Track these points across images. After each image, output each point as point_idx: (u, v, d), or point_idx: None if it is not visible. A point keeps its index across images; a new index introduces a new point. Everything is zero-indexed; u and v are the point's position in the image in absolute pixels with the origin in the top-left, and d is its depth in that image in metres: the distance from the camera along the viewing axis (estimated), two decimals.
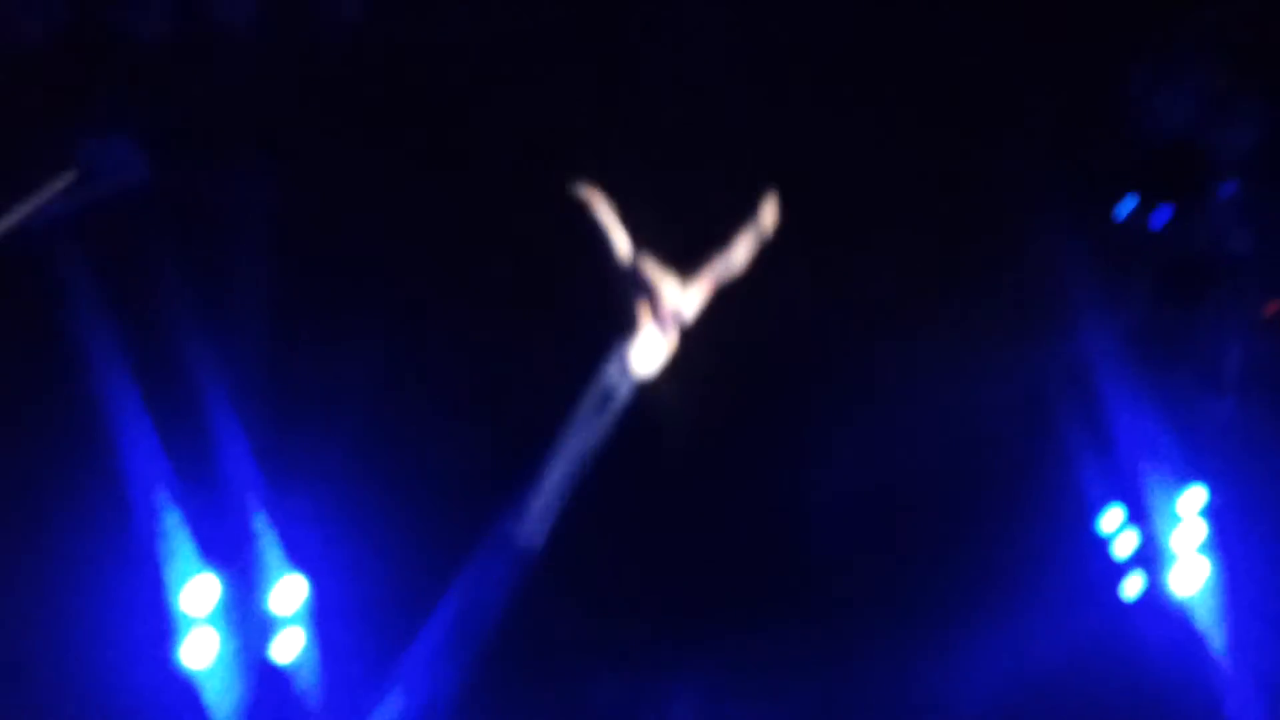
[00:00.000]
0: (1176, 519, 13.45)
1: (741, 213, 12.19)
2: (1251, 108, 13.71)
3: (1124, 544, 13.53)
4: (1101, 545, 13.54)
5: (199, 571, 12.25)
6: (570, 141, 12.55)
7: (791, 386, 13.21)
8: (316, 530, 12.56)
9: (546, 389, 12.64)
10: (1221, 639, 13.32)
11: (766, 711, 13.18)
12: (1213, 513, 13.46)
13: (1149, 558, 13.49)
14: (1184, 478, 13.53)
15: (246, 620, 12.43)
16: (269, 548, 12.49)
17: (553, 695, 13.09)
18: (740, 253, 12.00)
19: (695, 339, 12.27)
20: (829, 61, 12.95)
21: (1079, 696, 13.22)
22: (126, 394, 12.04)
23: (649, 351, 12.02)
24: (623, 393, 12.19)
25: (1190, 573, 13.37)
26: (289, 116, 12.59)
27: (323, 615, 12.61)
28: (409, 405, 12.81)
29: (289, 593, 12.53)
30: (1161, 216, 13.90)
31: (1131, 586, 13.51)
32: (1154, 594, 13.44)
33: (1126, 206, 13.90)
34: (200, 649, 12.21)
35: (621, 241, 11.92)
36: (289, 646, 12.55)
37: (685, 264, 12.11)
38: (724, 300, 12.24)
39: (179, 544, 12.18)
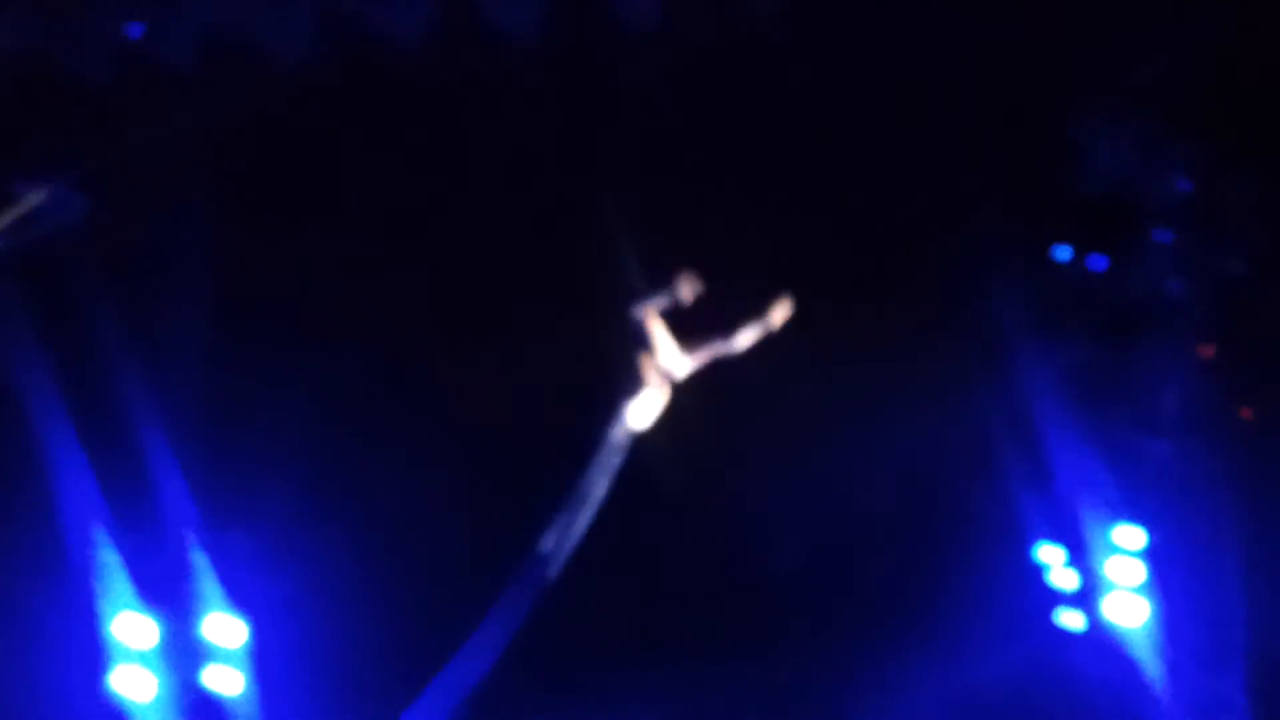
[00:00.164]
0: (1114, 556, 13.50)
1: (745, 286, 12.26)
2: (1187, 157, 13.89)
3: (1063, 579, 13.59)
4: (1042, 580, 13.58)
5: (136, 606, 12.22)
6: (549, 172, 12.66)
7: (739, 424, 13.26)
8: (254, 566, 12.56)
9: (487, 426, 12.70)
10: (1158, 673, 13.35)
11: None
12: (1150, 552, 13.52)
13: (1087, 594, 13.55)
14: (1122, 516, 13.59)
15: (184, 654, 12.40)
16: (206, 584, 12.47)
17: None
18: (743, 341, 12.06)
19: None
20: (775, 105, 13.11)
21: None
22: (64, 431, 12.05)
23: (644, 405, 12.05)
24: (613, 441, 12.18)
25: (1128, 608, 13.41)
26: (229, 158, 12.68)
27: (260, 649, 12.57)
28: (348, 443, 12.84)
29: (226, 628, 12.49)
30: (1099, 262, 14.05)
31: (1070, 621, 13.55)
32: (1092, 629, 13.49)
33: (1065, 252, 14.05)
34: (138, 683, 12.17)
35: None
36: (226, 680, 12.51)
37: (686, 326, 12.16)
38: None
39: (116, 579, 12.16)
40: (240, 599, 12.59)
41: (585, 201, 12.62)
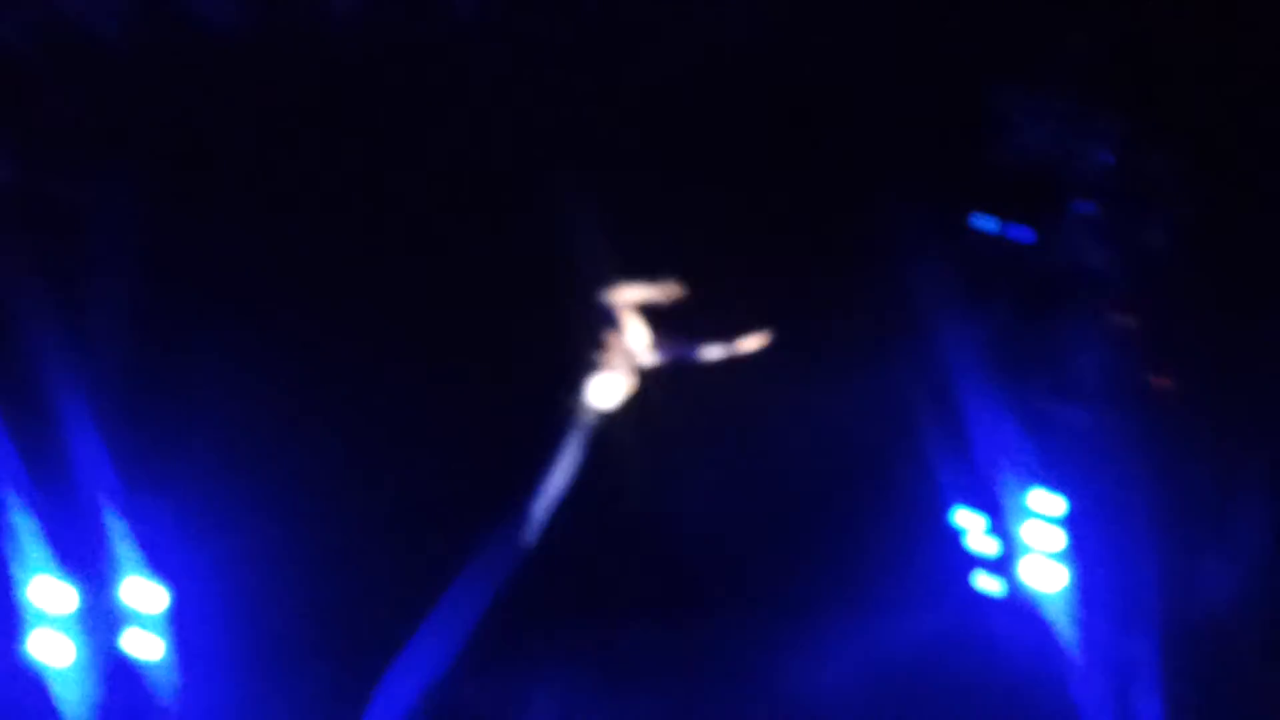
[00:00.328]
0: (1033, 522, 13.61)
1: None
2: (1108, 130, 13.98)
3: (981, 544, 13.70)
4: (962, 545, 13.69)
5: (53, 571, 12.17)
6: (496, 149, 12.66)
7: (659, 393, 13.28)
8: (172, 530, 12.53)
9: (396, 389, 12.73)
10: (1075, 637, 13.48)
11: (627, 707, 13.23)
12: (1068, 516, 13.63)
13: (1007, 558, 13.67)
14: (1040, 483, 13.70)
15: (103, 619, 12.37)
16: (125, 549, 12.44)
17: (416, 694, 13.09)
18: (711, 354, 12.07)
19: None
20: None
21: (936, 689, 13.37)
22: None
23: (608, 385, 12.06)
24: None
25: (1045, 573, 13.53)
26: (156, 121, 12.62)
27: (179, 614, 12.56)
28: (267, 407, 12.82)
29: (145, 593, 12.48)
30: (1021, 233, 14.14)
31: (988, 585, 13.66)
32: (1012, 593, 13.61)
33: (988, 221, 14.12)
34: (56, 648, 12.13)
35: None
36: (145, 645, 12.50)
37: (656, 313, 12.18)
38: None
39: (32, 544, 12.11)
40: (160, 564, 12.55)
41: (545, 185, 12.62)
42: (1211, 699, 13.41)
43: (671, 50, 13.13)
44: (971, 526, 13.77)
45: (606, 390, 11.85)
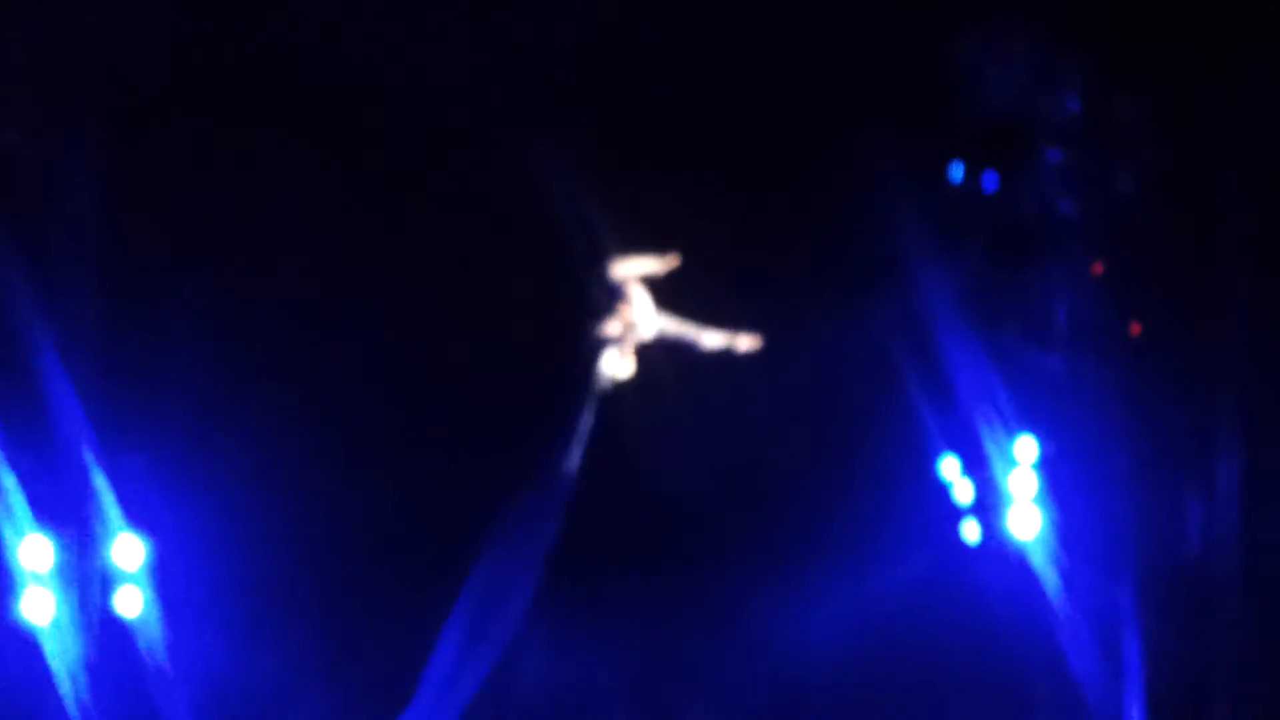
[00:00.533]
0: (1011, 467, 13.68)
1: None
2: (1077, 77, 14.02)
3: (962, 491, 13.77)
4: (941, 492, 13.75)
5: (35, 530, 12.09)
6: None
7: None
8: (153, 486, 12.46)
9: (380, 340, 12.70)
10: (1055, 581, 13.57)
11: (614, 658, 13.25)
12: (1044, 462, 13.70)
13: (986, 505, 13.74)
14: (1017, 428, 13.76)
15: (86, 577, 12.30)
16: (106, 505, 12.36)
17: (400, 644, 13.09)
18: (708, 341, 12.05)
19: None
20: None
21: (920, 635, 13.44)
22: None
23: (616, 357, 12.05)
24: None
25: (1025, 519, 13.60)
26: (125, 77, 12.50)
27: (161, 569, 12.50)
28: (250, 359, 12.76)
29: (128, 549, 12.41)
30: (991, 181, 14.17)
31: (970, 532, 13.73)
32: (991, 539, 13.68)
33: (958, 171, 14.15)
34: (40, 605, 12.05)
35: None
36: (130, 602, 12.44)
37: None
38: None
39: (14, 503, 12.02)
40: (141, 519, 12.49)
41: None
42: (1188, 639, 13.53)
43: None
44: (954, 473, 13.82)
45: (608, 354, 11.84)
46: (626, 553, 13.28)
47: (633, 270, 12.17)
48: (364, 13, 12.67)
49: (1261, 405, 13.62)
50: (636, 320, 12.09)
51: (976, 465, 13.80)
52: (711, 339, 12.49)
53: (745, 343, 12.45)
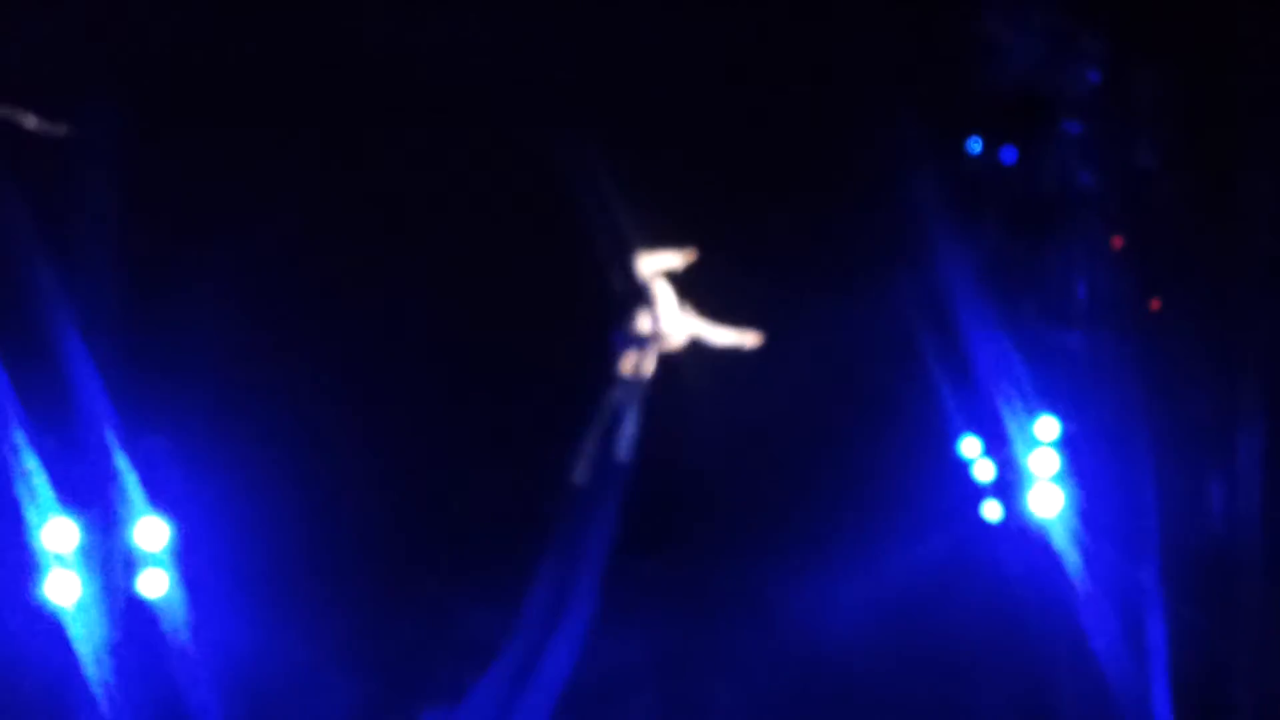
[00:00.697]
0: (1032, 446, 13.67)
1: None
2: (1096, 49, 13.96)
3: (982, 469, 13.76)
4: (961, 470, 13.75)
5: (59, 512, 12.10)
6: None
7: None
8: (176, 467, 12.47)
9: (401, 320, 12.68)
10: (1076, 560, 13.57)
11: (635, 639, 13.28)
12: (1065, 440, 13.69)
13: (1007, 484, 13.73)
14: (1037, 406, 13.75)
15: (109, 559, 12.32)
16: (129, 488, 12.37)
17: (418, 625, 13.12)
18: (728, 326, 12.02)
19: None
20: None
21: (942, 615, 13.46)
22: None
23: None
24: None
25: (1046, 498, 13.60)
26: (150, 63, 12.45)
27: (186, 552, 12.52)
28: (269, 345, 12.75)
29: (151, 531, 12.42)
30: (1010, 154, 14.13)
31: (990, 510, 13.73)
32: (1012, 518, 13.68)
33: (976, 144, 14.10)
34: (64, 587, 12.07)
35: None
36: (153, 583, 12.45)
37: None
38: None
39: (38, 485, 12.02)
40: (164, 502, 12.49)
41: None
42: (1211, 618, 13.54)
43: None
44: (971, 453, 13.81)
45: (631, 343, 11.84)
46: (650, 537, 13.28)
47: (654, 263, 12.15)
48: (386, 6, 12.62)
49: None
50: (659, 312, 12.07)
51: (997, 444, 13.80)
52: (731, 323, 12.49)
53: (764, 327, 12.45)
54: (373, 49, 12.57)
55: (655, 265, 12.38)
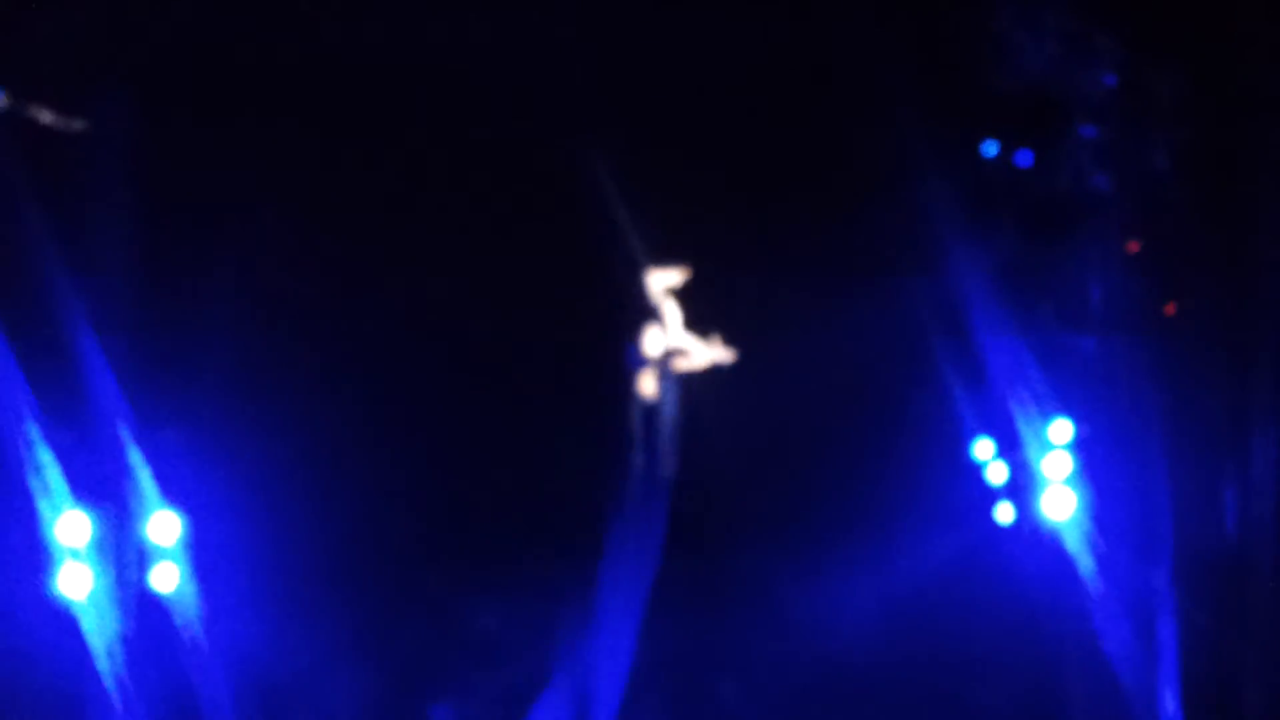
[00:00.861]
0: (1045, 449, 13.66)
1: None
2: (1112, 51, 13.94)
3: (995, 473, 13.75)
4: (974, 472, 13.74)
5: (72, 506, 12.10)
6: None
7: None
8: (190, 464, 12.47)
9: (417, 310, 12.71)
10: (1089, 563, 13.56)
11: (648, 638, 13.27)
12: (1079, 443, 13.68)
13: (1020, 487, 13.71)
14: (1051, 409, 13.73)
15: (122, 552, 12.32)
16: (143, 482, 12.37)
17: (430, 622, 13.13)
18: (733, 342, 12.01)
19: None
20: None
21: (953, 617, 13.45)
22: None
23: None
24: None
25: (1059, 501, 13.58)
26: (163, 57, 12.45)
27: (199, 546, 12.52)
28: (285, 339, 12.75)
29: (164, 525, 12.43)
30: (1025, 157, 14.12)
31: (1003, 513, 13.72)
32: (1025, 521, 13.66)
33: (990, 147, 14.09)
34: (77, 581, 12.08)
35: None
36: (166, 577, 12.46)
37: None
38: None
39: (51, 479, 12.02)
40: (177, 496, 12.50)
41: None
42: (1224, 623, 13.53)
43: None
44: (985, 456, 13.80)
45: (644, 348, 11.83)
46: (662, 539, 13.27)
47: (667, 270, 12.14)
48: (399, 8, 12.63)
49: None
50: (672, 318, 12.07)
51: (1010, 447, 13.78)
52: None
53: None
54: (390, 46, 12.57)
55: (669, 271, 12.38)
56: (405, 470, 13.06)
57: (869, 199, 13.52)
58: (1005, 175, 14.15)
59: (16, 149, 12.23)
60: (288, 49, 12.57)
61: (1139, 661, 13.41)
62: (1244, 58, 13.55)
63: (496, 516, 13.14)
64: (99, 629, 12.14)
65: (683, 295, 12.50)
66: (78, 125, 12.44)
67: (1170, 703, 13.29)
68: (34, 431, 11.99)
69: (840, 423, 13.50)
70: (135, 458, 12.37)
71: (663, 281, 12.13)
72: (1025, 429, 13.75)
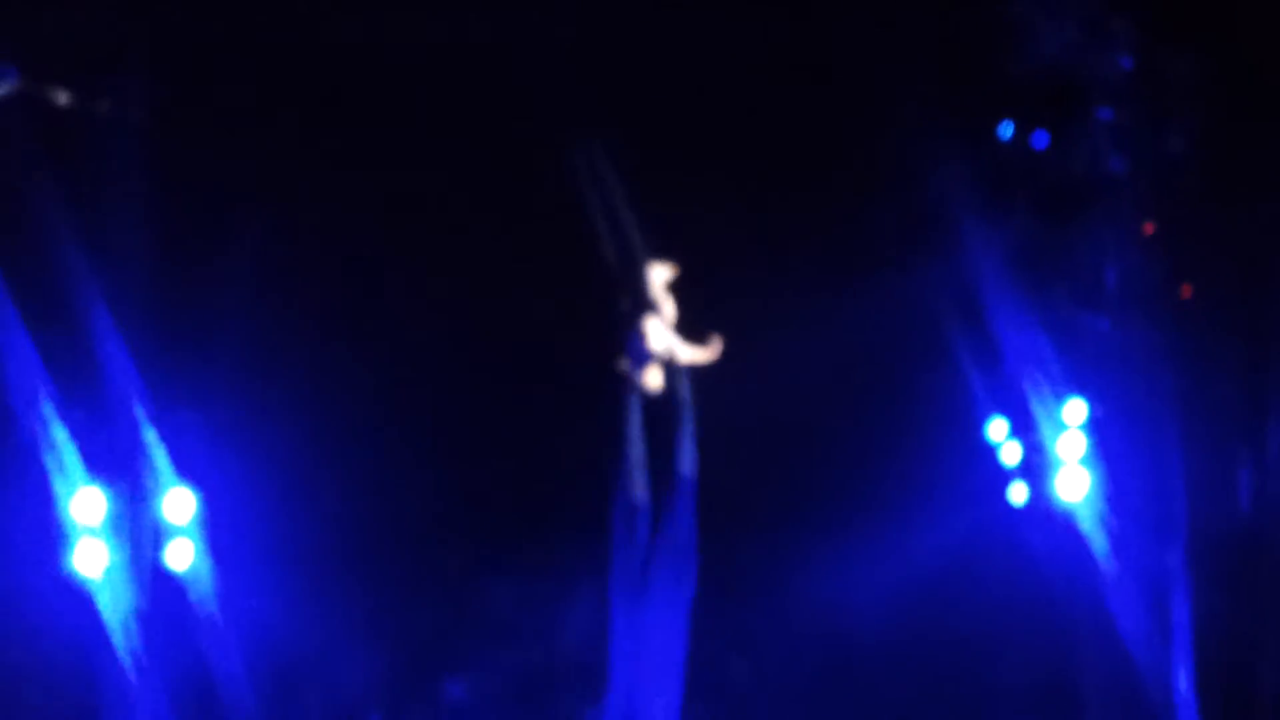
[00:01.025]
0: (1059, 429, 13.65)
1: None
2: (1128, 34, 13.93)
3: (1010, 453, 13.74)
4: (989, 453, 13.73)
5: (88, 483, 12.16)
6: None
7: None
8: (204, 442, 12.52)
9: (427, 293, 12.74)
10: (1103, 544, 13.55)
11: (661, 614, 13.26)
12: (1092, 424, 13.67)
13: (1033, 467, 13.71)
14: (1066, 390, 13.73)
15: (137, 530, 12.38)
16: (158, 460, 12.43)
17: (443, 600, 13.16)
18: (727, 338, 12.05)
19: None
20: None
21: (967, 597, 13.46)
22: (5, 308, 11.91)
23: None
24: None
25: (1073, 482, 13.57)
26: (179, 38, 12.50)
27: (213, 524, 12.58)
28: (298, 319, 12.79)
29: (179, 503, 12.48)
30: (1041, 139, 14.11)
31: (1017, 493, 13.71)
32: (1039, 502, 13.65)
33: (1007, 129, 14.08)
34: (92, 558, 12.13)
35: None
36: (180, 555, 12.51)
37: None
38: None
39: (67, 456, 12.09)
40: (192, 474, 12.55)
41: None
42: (1238, 604, 13.52)
43: None
44: (999, 437, 13.80)
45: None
46: (671, 517, 13.26)
47: (679, 264, 12.15)
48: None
49: None
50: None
51: (1024, 427, 13.77)
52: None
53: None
54: (397, 41, 12.61)
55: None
56: (419, 452, 13.09)
57: (885, 182, 13.53)
58: (1023, 158, 14.14)
59: (34, 132, 12.27)
60: (307, 31, 12.61)
61: (1152, 640, 13.40)
62: (1260, 42, 13.53)
63: (511, 499, 13.16)
64: (114, 606, 12.19)
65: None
66: (96, 109, 12.49)
67: (1184, 680, 13.28)
68: (50, 410, 12.05)
69: (855, 405, 13.51)
70: (151, 436, 12.42)
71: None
72: (1040, 409, 13.75)
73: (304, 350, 12.79)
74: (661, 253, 12.04)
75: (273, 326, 12.69)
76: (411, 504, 13.05)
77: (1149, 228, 14.08)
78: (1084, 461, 13.66)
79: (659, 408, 12.83)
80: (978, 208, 13.82)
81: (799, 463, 13.51)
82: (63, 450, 12.09)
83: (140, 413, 12.37)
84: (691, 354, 11.97)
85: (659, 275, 11.86)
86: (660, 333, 11.79)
